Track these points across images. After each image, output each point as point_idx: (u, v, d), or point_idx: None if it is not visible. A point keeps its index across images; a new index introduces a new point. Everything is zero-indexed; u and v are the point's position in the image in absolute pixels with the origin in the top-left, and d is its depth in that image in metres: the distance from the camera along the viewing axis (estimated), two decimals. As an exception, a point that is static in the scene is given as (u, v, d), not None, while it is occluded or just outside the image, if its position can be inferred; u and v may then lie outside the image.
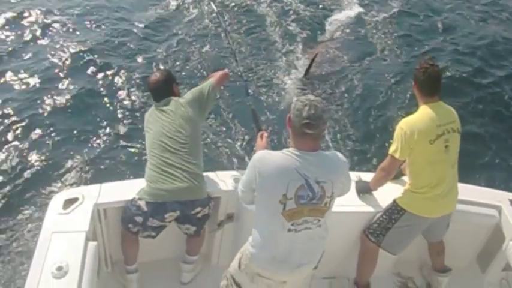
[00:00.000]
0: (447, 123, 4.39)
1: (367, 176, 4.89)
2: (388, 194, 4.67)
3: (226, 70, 5.06)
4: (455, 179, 4.57)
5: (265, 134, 4.33)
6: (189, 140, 4.44)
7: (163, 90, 4.71)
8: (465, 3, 12.26)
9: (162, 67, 9.25)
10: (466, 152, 4.81)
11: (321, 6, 11.80)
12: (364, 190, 4.79)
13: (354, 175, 4.95)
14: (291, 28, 10.94)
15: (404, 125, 4.37)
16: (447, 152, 4.39)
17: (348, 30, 10.95)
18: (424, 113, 4.40)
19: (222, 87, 5.52)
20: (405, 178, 4.71)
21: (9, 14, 10.53)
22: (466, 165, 4.83)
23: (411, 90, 4.94)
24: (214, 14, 9.99)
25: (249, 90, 5.28)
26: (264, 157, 3.46)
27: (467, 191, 4.88)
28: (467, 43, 10.81)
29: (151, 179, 4.34)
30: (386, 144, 7.45)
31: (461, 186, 4.66)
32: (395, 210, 4.55)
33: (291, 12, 11.49)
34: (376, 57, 10.21)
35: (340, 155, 3.66)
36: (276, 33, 10.76)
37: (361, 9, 11.72)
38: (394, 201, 4.57)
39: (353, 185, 4.78)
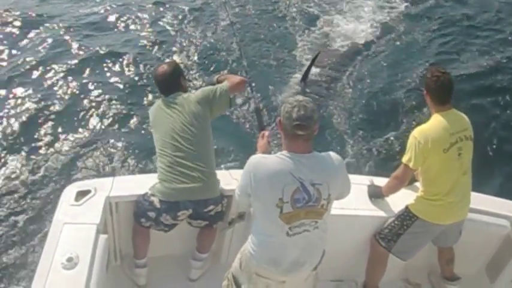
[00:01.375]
0: (460, 131, 4.37)
1: (380, 181, 4.88)
2: (400, 199, 4.65)
3: (243, 77, 4.93)
4: (468, 187, 4.55)
5: (266, 134, 4.33)
6: (200, 138, 4.41)
7: (170, 82, 4.60)
8: (474, 7, 12.11)
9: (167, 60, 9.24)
10: (479, 160, 4.77)
11: (332, 7, 11.75)
12: (376, 195, 4.78)
13: (367, 179, 4.97)
14: (299, 26, 10.92)
15: (418, 134, 4.35)
16: (460, 159, 4.37)
17: (356, 35, 10.84)
18: (437, 121, 4.38)
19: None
20: (418, 184, 4.70)
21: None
22: (478, 174, 4.79)
23: (420, 95, 4.89)
24: (222, 10, 10.26)
25: (253, 88, 5.20)
26: (259, 162, 3.45)
27: (479, 200, 4.84)
28: (478, 48, 10.70)
29: (164, 178, 4.32)
30: (397, 148, 7.51)
31: (473, 195, 4.62)
32: (407, 217, 4.53)
33: (300, 11, 11.47)
34: (383, 62, 10.11)
35: (335, 155, 3.61)
36: (285, 30, 10.77)
37: (370, 14, 11.62)
38: (407, 207, 4.55)
39: (365, 189, 4.81)
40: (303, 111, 3.34)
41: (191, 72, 9.15)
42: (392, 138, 7.98)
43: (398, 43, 10.65)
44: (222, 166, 6.70)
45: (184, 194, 4.29)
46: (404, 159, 4.42)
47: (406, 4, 12.00)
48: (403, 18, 11.42)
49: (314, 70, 9.25)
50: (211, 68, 9.27)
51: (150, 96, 8.47)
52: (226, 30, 10.20)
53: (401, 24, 11.23)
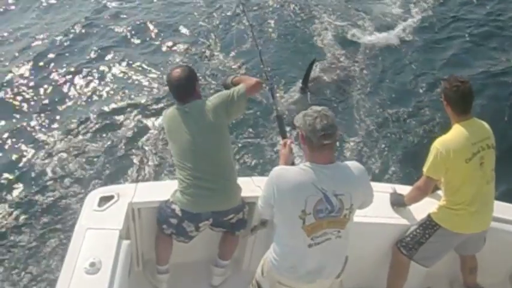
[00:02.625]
0: (482, 140, 4.34)
1: (402, 188, 4.86)
2: (422, 207, 4.62)
3: (259, 79, 4.71)
4: (491, 196, 4.51)
5: (289, 142, 4.24)
6: (220, 148, 4.36)
7: (185, 87, 4.40)
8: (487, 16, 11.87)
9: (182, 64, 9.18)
10: (502, 168, 4.71)
11: (350, 14, 11.53)
12: (398, 203, 4.75)
13: (390, 187, 4.95)
14: (318, 30, 10.78)
15: (439, 145, 4.31)
16: (482, 169, 4.33)
17: (373, 41, 10.61)
18: (458, 131, 4.34)
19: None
20: (440, 192, 4.67)
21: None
22: (502, 182, 4.74)
23: (439, 103, 4.81)
24: (240, 12, 10.17)
25: (275, 95, 5.01)
26: (281, 173, 3.46)
27: (503, 209, 4.79)
28: (493, 52, 10.46)
29: (184, 190, 4.31)
30: (419, 156, 7.39)
31: (496, 203, 4.58)
32: (429, 225, 4.50)
33: (320, 14, 11.33)
34: (400, 68, 9.95)
35: (358, 165, 3.61)
36: (305, 35, 10.66)
37: (389, 20, 11.38)
38: (429, 216, 4.53)
39: (387, 197, 4.79)
40: (325, 121, 3.35)
41: (205, 75, 9.13)
42: (414, 145, 7.91)
43: (414, 48, 10.46)
44: (244, 173, 6.68)
45: (205, 206, 4.30)
46: (426, 169, 4.40)
47: (420, 9, 11.76)
48: (418, 23, 11.21)
49: (321, 77, 9.20)
50: (229, 72, 9.22)
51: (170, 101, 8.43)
52: (244, 33, 10.17)
53: (415, 29, 11.02)
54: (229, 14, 11.06)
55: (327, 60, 9.85)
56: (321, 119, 3.35)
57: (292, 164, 4.09)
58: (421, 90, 9.22)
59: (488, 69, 9.76)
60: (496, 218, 4.58)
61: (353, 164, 3.58)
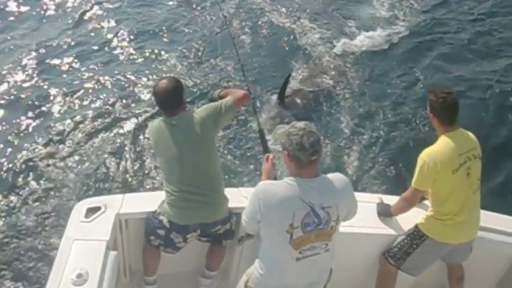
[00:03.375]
0: (468, 150, 4.37)
1: (389, 199, 4.89)
2: (409, 217, 4.65)
3: (246, 91, 4.72)
4: (477, 205, 4.54)
5: (271, 157, 4.22)
6: (208, 160, 4.35)
7: (173, 99, 4.33)
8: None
9: (166, 75, 9.02)
10: (488, 178, 4.75)
11: (334, 25, 11.43)
12: (385, 213, 4.77)
13: (376, 197, 4.98)
14: (302, 42, 10.72)
15: (426, 156, 4.34)
16: (469, 179, 4.37)
17: (358, 48, 10.60)
18: (444, 142, 4.37)
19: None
20: (426, 202, 4.70)
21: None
22: (487, 192, 4.78)
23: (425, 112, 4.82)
24: (223, 23, 10.12)
25: (256, 109, 4.98)
26: (267, 188, 3.44)
27: (489, 218, 4.83)
28: (476, 61, 10.51)
29: (172, 202, 4.30)
30: (405, 167, 7.44)
31: (483, 213, 4.62)
32: (417, 236, 4.53)
33: (303, 23, 11.28)
34: (377, 79, 9.90)
35: (342, 176, 3.62)
36: (286, 45, 10.61)
37: (377, 28, 11.29)
38: (416, 226, 4.55)
39: (374, 207, 4.81)
40: (312, 137, 3.34)
41: (190, 87, 9.09)
42: (400, 155, 7.93)
43: (398, 55, 10.46)
44: (230, 184, 6.66)
45: (193, 218, 4.30)
46: (414, 181, 4.42)
47: (403, 15, 11.81)
48: (404, 32, 11.18)
49: (300, 88, 9.14)
50: (211, 84, 9.17)
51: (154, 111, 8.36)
52: (227, 46, 9.83)
53: (398, 35, 11.02)
54: (212, 25, 11.00)
55: (308, 69, 9.85)
56: (307, 136, 3.33)
57: (275, 178, 4.09)
58: (405, 99, 9.23)
59: (473, 77, 9.88)
60: (482, 227, 4.61)
61: (337, 176, 3.58)
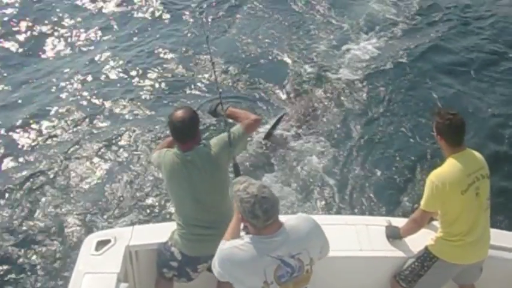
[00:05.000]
0: (476, 170, 4.37)
1: (398, 221, 4.89)
2: (418, 238, 4.63)
3: (257, 116, 4.61)
4: (487, 225, 4.53)
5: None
6: (221, 198, 4.22)
7: (189, 130, 4.22)
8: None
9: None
10: (496, 196, 4.74)
11: (321, 41, 11.20)
12: (394, 235, 4.76)
13: (384, 220, 4.96)
14: (282, 60, 10.58)
15: (435, 178, 4.34)
16: (478, 199, 4.36)
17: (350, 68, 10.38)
18: (453, 164, 4.36)
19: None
20: (435, 223, 4.69)
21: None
22: (496, 210, 4.76)
23: (425, 134, 4.75)
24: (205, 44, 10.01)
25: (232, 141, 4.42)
26: (233, 257, 3.28)
27: (499, 237, 4.81)
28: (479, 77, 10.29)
29: (183, 235, 4.28)
30: (413, 189, 7.40)
31: (493, 231, 4.60)
32: (427, 258, 4.51)
33: (283, 40, 11.15)
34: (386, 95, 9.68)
35: (306, 217, 3.51)
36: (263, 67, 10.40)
37: (367, 50, 11.00)
38: (426, 248, 4.54)
39: (383, 230, 4.80)
40: (265, 205, 3.19)
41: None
42: (407, 177, 7.84)
43: (396, 71, 10.23)
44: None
45: (203, 250, 4.21)
46: (422, 202, 4.42)
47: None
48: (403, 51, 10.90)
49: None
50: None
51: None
52: (206, 69, 10.01)
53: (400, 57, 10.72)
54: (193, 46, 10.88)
55: (293, 90, 9.73)
56: (259, 204, 3.17)
57: None
58: (409, 120, 9.09)
59: (476, 92, 9.77)
60: (492, 245, 4.59)
61: (300, 219, 3.48)
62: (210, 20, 11.61)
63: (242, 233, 3.50)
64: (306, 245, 3.34)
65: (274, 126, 8.51)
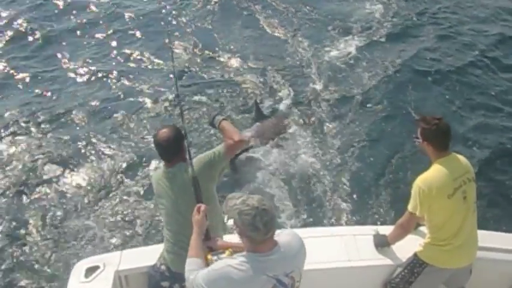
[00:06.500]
0: (462, 174, 4.41)
1: (385, 229, 4.91)
2: (406, 245, 4.66)
3: (241, 136, 4.55)
4: (474, 227, 4.56)
5: (203, 208, 3.83)
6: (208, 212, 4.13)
7: (173, 148, 4.30)
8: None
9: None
10: (482, 198, 4.78)
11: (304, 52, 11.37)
12: (382, 244, 4.79)
13: (371, 229, 4.99)
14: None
15: (421, 182, 4.37)
16: (466, 202, 4.40)
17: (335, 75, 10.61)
18: (439, 168, 4.40)
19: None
20: (422, 229, 4.72)
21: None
22: (483, 211, 4.81)
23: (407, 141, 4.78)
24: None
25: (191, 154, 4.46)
26: (228, 274, 3.22)
27: (487, 237, 4.84)
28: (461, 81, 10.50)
29: (169, 249, 4.30)
30: (398, 196, 7.42)
31: (480, 233, 4.63)
32: (416, 264, 4.53)
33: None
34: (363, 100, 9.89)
35: (294, 233, 3.50)
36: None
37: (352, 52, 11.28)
38: (415, 254, 4.56)
39: (371, 239, 4.83)
40: (266, 217, 3.17)
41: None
42: (392, 185, 7.92)
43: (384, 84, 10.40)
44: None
45: None
46: (410, 207, 4.45)
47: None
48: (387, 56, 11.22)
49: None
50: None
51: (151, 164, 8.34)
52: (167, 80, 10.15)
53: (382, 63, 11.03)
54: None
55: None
56: (260, 216, 3.15)
57: (207, 230, 3.87)
58: (393, 126, 9.22)
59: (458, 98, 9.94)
60: (481, 247, 4.62)
61: (291, 235, 3.48)
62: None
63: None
64: (298, 262, 3.37)
65: (258, 113, 8.80)
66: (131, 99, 9.90)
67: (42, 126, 9.30)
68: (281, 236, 3.40)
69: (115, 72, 10.64)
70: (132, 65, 10.98)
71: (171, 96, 9.69)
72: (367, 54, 11.15)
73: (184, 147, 4.39)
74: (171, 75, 9.78)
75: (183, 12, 12.67)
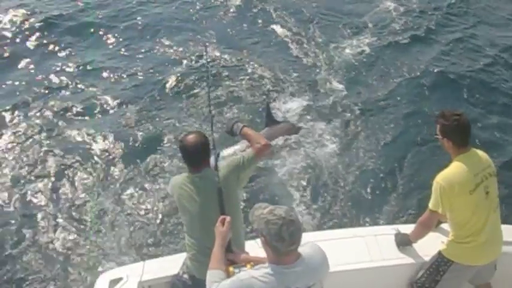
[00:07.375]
0: (483, 169, 4.36)
1: (405, 228, 4.89)
2: (428, 243, 4.64)
3: (268, 141, 4.53)
4: (498, 223, 4.53)
5: (228, 219, 3.82)
6: (232, 218, 4.06)
7: (201, 155, 4.26)
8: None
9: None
10: (503, 192, 4.73)
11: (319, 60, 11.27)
12: (404, 242, 4.77)
13: (392, 228, 4.97)
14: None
15: (442, 179, 4.33)
16: (488, 198, 4.36)
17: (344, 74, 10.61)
18: (459, 164, 4.35)
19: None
20: (444, 226, 4.69)
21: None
22: (505, 206, 4.75)
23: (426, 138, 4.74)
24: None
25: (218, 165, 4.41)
26: (252, 286, 3.21)
27: (510, 232, 4.78)
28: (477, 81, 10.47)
29: (193, 257, 4.27)
30: (418, 194, 7.40)
31: (504, 227, 4.60)
32: (441, 262, 4.50)
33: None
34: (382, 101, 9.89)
35: (317, 247, 3.48)
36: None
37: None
38: (440, 252, 4.53)
39: (393, 238, 4.81)
40: (292, 227, 3.15)
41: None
42: (410, 184, 7.87)
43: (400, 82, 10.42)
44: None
45: None
46: (431, 204, 4.42)
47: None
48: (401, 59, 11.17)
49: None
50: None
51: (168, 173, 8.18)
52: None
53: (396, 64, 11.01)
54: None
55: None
56: (287, 226, 3.13)
57: (229, 242, 3.85)
58: (412, 125, 9.19)
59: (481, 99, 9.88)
60: (505, 241, 4.58)
61: (314, 248, 3.45)
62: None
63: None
64: (320, 275, 3.35)
65: (268, 115, 8.76)
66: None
67: (77, 124, 9.41)
68: (304, 248, 3.37)
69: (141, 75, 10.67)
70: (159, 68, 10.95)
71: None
72: (383, 55, 11.15)
73: (210, 154, 4.34)
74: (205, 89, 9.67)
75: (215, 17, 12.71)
